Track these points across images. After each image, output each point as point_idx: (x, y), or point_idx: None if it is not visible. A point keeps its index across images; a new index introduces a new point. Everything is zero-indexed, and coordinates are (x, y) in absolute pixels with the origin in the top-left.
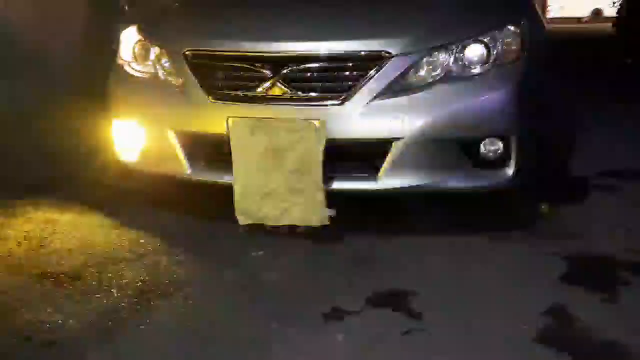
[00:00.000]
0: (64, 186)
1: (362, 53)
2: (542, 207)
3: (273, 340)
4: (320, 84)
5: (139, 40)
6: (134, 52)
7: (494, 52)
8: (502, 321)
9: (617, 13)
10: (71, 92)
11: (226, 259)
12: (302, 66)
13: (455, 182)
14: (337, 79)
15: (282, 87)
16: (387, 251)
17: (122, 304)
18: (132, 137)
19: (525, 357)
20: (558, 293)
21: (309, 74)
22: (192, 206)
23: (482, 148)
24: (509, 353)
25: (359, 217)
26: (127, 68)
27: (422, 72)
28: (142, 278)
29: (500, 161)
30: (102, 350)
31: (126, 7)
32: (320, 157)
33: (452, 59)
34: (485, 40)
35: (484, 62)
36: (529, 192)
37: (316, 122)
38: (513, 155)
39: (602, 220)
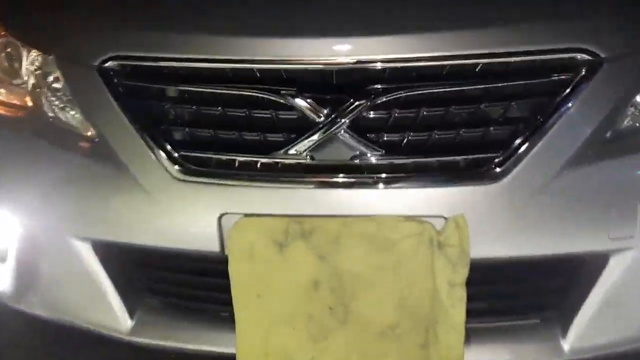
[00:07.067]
0: None
1: (540, 58)
2: None
3: None
4: (438, 133)
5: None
6: None
7: None
8: None
9: None
10: None
11: None
12: (398, 93)
13: None
14: (480, 122)
15: (350, 141)
16: None
17: None
18: None
19: None
20: None
21: (413, 111)
22: None
23: None
24: None
25: None
26: None
27: None
28: None
29: None
30: None
31: None
32: (454, 296)
33: None
34: None
35: None
36: None
37: (439, 224)
38: None
39: None
